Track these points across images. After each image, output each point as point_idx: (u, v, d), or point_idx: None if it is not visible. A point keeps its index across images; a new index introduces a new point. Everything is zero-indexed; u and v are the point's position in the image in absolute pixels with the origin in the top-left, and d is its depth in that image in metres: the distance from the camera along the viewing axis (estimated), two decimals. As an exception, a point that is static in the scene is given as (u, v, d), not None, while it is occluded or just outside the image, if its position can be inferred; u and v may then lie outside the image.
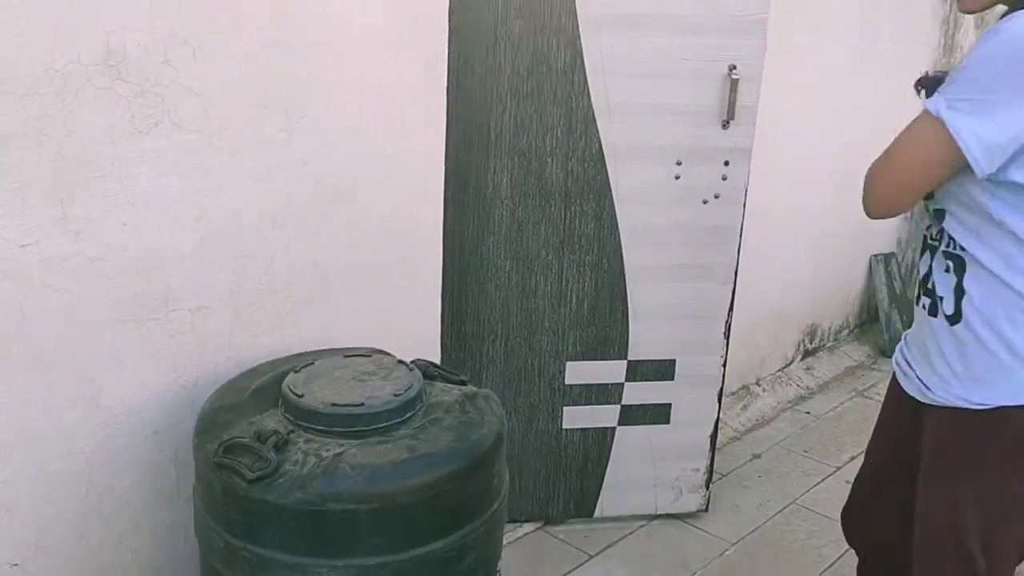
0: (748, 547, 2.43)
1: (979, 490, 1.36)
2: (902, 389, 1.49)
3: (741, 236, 2.32)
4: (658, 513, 2.51)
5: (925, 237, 1.43)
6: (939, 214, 1.36)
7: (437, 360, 2.11)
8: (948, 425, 1.38)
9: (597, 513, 2.48)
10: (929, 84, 1.35)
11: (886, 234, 3.97)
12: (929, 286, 1.39)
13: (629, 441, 2.43)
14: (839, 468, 2.88)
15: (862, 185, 1.38)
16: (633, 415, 2.41)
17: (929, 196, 1.37)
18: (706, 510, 2.53)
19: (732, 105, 2.17)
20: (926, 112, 1.26)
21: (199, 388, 1.64)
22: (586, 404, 2.38)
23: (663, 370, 2.39)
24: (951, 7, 3.80)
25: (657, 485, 2.49)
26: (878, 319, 3.91)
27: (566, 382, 2.35)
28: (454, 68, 1.99)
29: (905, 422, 1.50)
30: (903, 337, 1.55)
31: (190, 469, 1.49)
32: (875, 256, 3.91)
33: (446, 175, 2.02)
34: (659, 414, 2.43)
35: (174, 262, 1.56)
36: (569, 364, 2.34)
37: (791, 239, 3.35)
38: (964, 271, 1.33)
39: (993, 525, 1.36)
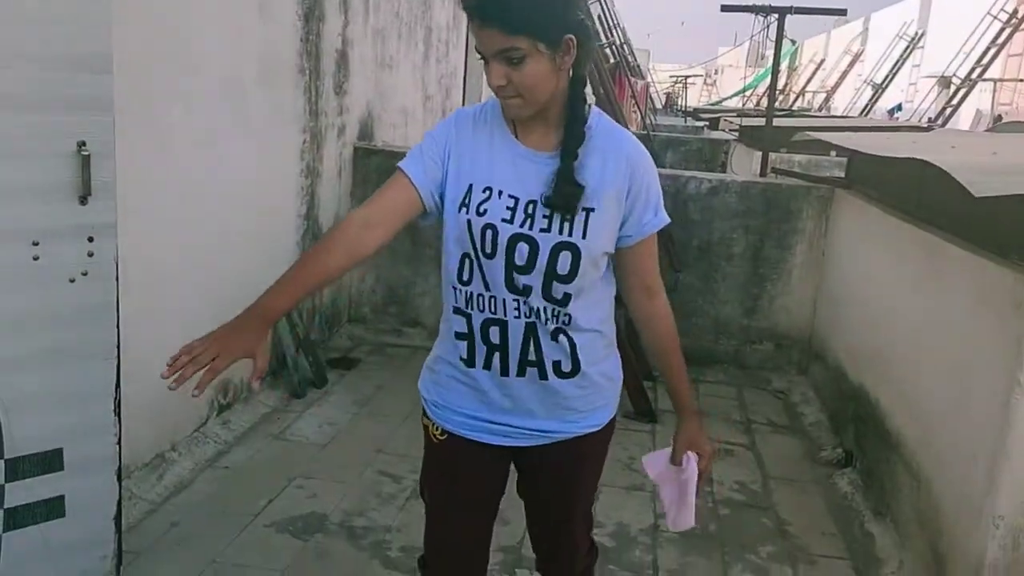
0: (168, 620, 2.41)
1: (597, 477, 1.90)
2: (485, 450, 1.77)
3: (119, 311, 2.30)
4: (65, 614, 2.34)
5: (508, 322, 1.66)
6: (561, 302, 1.65)
7: None
8: (579, 448, 1.78)
9: (-8, 635, 2.22)
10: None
11: (284, 284, 4.27)
12: (531, 359, 1.68)
13: (20, 546, 2.22)
14: (257, 515, 3.02)
15: None
16: (21, 517, 2.21)
17: (549, 286, 1.63)
18: (120, 595, 2.44)
19: (87, 181, 2.14)
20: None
21: None
22: (-41, 518, 2.11)
23: (50, 461, 2.23)
24: (310, 76, 4.26)
25: (61, 584, 2.32)
26: (287, 364, 4.17)
27: (-71, 499, 2.06)
28: None
29: (496, 474, 1.84)
30: (481, 411, 1.75)
31: None
32: (276, 306, 4.17)
33: None
34: (52, 509, 2.26)
35: None
36: (-70, 478, 2.06)
37: (190, 300, 3.39)
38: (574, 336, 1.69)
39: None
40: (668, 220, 1.72)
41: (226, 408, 3.78)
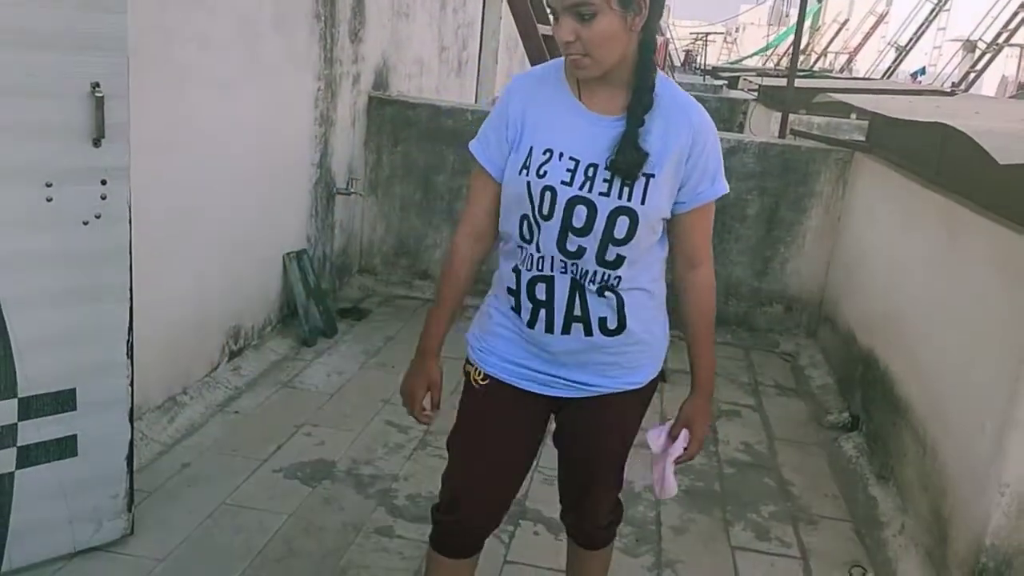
0: (178, 559, 2.45)
1: (631, 435, 1.89)
2: (526, 398, 1.78)
3: (131, 254, 2.30)
4: (78, 550, 2.38)
5: (554, 278, 1.67)
6: (613, 264, 1.65)
7: None
8: (617, 404, 1.79)
9: (5, 567, 2.26)
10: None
11: (296, 233, 4.27)
12: (577, 314, 1.67)
13: (33, 483, 2.25)
14: (265, 460, 3.05)
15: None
16: (34, 455, 2.24)
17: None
18: (132, 533, 2.48)
19: (101, 123, 2.13)
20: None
21: None
22: (-27, 454, 2.14)
23: (63, 401, 2.26)
24: (325, 22, 4.21)
25: (73, 521, 2.36)
26: (297, 313, 4.19)
27: (-57, 435, 2.09)
28: None
29: (530, 422, 1.83)
30: (526, 359, 1.76)
31: None
32: (288, 254, 4.17)
33: None
34: (65, 448, 2.29)
35: None
36: (-55, 414, 2.08)
37: (202, 246, 3.40)
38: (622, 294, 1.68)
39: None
40: (725, 191, 1.70)
41: (237, 354, 3.80)
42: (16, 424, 2.19)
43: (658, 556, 2.74)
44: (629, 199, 1.59)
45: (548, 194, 1.60)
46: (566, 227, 1.61)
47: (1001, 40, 17.17)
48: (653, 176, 1.60)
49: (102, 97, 2.11)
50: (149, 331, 2.81)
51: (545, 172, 1.61)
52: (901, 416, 3.17)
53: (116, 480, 2.41)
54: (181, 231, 3.22)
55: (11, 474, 2.22)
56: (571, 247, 1.63)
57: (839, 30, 34.05)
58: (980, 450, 2.46)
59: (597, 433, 1.83)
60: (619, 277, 1.66)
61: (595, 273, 1.65)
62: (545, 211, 1.62)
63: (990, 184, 2.77)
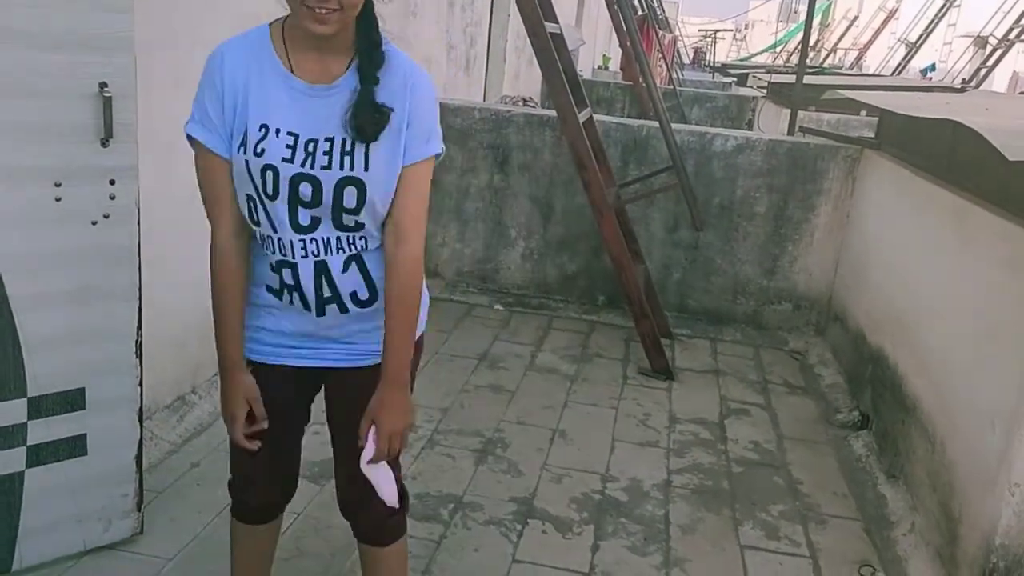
0: (188, 558, 2.46)
1: None
2: (295, 374, 1.76)
3: (140, 253, 2.31)
4: (88, 549, 2.39)
5: (297, 264, 1.62)
6: (354, 228, 1.61)
7: None
8: (372, 375, 1.69)
9: (16, 567, 2.28)
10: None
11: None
12: (327, 295, 1.65)
13: (43, 482, 2.26)
14: (275, 459, 3.06)
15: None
16: (44, 454, 2.25)
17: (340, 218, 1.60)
18: (141, 533, 2.49)
19: (109, 123, 2.13)
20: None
21: None
22: (-16, 453, 2.16)
23: (72, 400, 2.27)
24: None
25: (82, 520, 2.37)
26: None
27: (-46, 434, 2.10)
28: None
29: (302, 396, 1.85)
30: (291, 335, 1.73)
31: None
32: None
33: None
34: (74, 447, 2.30)
35: None
36: (-45, 413, 2.09)
37: (205, 244, 3.40)
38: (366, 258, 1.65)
39: None
40: (438, 151, 1.64)
41: (245, 353, 3.81)
42: (26, 423, 2.20)
43: (666, 555, 2.74)
44: (352, 168, 1.55)
45: (270, 173, 1.55)
46: (295, 203, 1.57)
47: (1012, 36, 17.06)
48: (374, 141, 1.56)
49: (110, 97, 2.12)
50: (158, 330, 2.82)
51: (263, 150, 1.54)
52: (910, 414, 3.16)
53: (125, 479, 2.42)
54: (190, 230, 3.22)
55: (21, 473, 2.23)
56: (304, 221, 1.59)
57: (849, 27, 33.95)
58: (990, 449, 2.44)
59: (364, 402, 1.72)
60: (364, 238, 1.63)
61: (337, 240, 1.61)
62: (270, 190, 1.56)
63: (1000, 181, 2.76)
